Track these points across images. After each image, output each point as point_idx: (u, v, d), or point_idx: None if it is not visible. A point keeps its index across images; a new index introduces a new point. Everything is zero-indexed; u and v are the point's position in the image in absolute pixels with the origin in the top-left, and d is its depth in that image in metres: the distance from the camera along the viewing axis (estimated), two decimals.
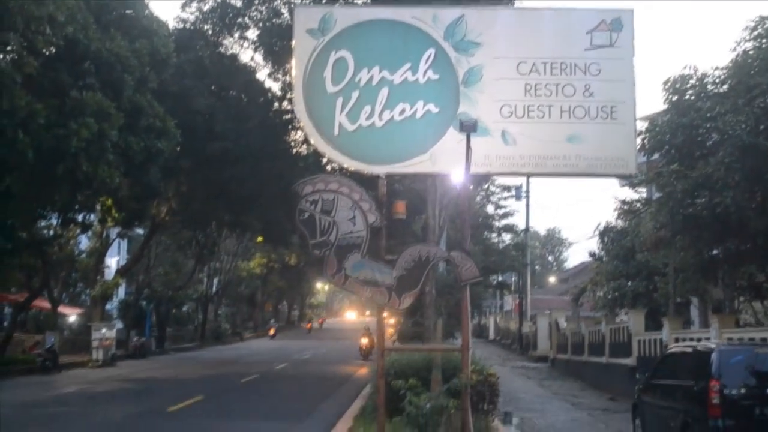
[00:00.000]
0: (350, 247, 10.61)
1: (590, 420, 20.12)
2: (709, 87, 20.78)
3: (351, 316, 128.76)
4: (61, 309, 42.23)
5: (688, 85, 20.80)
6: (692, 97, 20.71)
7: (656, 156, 22.45)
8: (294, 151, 36.95)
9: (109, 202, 34.18)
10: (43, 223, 35.96)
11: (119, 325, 45.58)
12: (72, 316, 46.09)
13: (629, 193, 33.57)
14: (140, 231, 49.62)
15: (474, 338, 16.31)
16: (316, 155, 32.94)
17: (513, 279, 59.68)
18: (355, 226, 10.70)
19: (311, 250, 10.87)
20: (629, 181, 29.21)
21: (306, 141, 33.92)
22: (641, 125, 21.09)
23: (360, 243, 10.64)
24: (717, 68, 20.83)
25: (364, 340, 40.54)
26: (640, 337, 25.34)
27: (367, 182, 11.69)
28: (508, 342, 59.46)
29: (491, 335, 71.06)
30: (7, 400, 21.59)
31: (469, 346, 10.86)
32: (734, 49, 19.86)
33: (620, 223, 34.20)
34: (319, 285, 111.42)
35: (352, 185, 10.88)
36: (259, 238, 57.86)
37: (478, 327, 73.98)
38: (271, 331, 73.94)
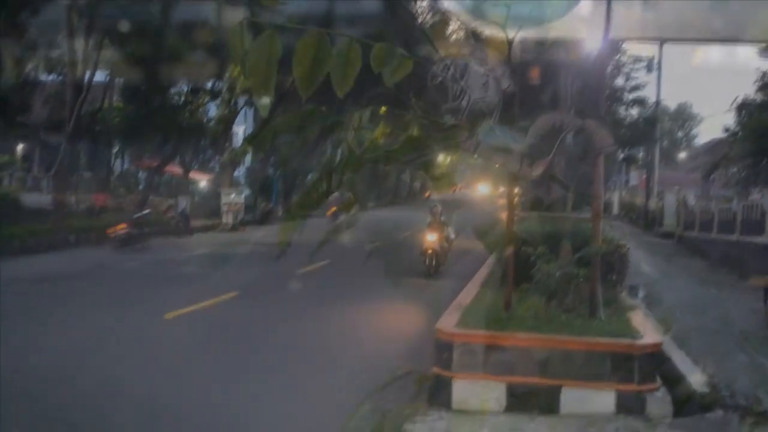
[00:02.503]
0: (482, 113, 10.42)
1: (718, 297, 19.72)
2: None
3: (483, 189, 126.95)
4: (192, 174, 43.66)
5: None
6: None
7: None
8: (419, 20, 36.36)
9: (237, 70, 34.62)
10: (173, 90, 36.83)
11: (247, 191, 46.80)
12: (202, 181, 47.68)
13: None
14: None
15: None
16: (442, 23, 32.37)
17: (640, 154, 58.10)
18: (488, 92, 10.44)
19: (442, 116, 10.72)
20: None
21: (432, 8, 33.38)
22: None
23: (492, 109, 10.35)
24: None
25: (431, 237, 22.09)
26: None
27: (499, 48, 11.32)
28: (632, 217, 58.56)
29: (615, 210, 70.12)
30: (145, 260, 22.71)
31: (601, 215, 10.65)
32: None
33: (760, 96, 32.61)
34: (440, 157, 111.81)
35: (484, 50, 10.60)
36: (383, 108, 57.96)
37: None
38: (427, 194, 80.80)
